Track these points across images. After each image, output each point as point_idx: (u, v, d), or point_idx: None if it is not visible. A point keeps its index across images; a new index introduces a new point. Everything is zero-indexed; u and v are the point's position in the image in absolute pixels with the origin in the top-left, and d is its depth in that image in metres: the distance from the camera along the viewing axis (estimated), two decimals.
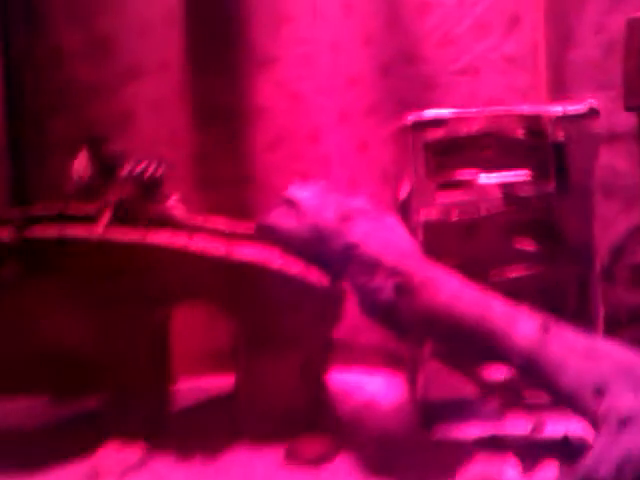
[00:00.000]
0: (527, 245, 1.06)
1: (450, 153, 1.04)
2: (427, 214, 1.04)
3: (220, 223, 1.13)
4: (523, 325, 0.87)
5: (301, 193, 1.09)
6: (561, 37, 1.29)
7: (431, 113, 1.02)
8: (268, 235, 1.08)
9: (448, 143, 1.04)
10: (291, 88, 1.31)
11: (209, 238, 1.06)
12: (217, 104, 1.32)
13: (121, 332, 1.02)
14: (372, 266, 0.96)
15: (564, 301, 1.12)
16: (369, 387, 1.28)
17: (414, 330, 0.91)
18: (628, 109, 1.06)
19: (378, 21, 1.37)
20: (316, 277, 1.02)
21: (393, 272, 0.93)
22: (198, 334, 1.26)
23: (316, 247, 1.03)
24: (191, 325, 1.19)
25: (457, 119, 1.02)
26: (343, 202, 1.07)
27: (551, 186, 1.02)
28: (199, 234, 1.06)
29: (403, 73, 1.36)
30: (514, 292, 0.94)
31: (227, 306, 1.05)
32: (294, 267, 1.03)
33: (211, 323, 1.21)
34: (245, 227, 1.12)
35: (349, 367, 1.31)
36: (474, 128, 1.02)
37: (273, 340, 1.03)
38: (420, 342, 1.00)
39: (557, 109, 1.01)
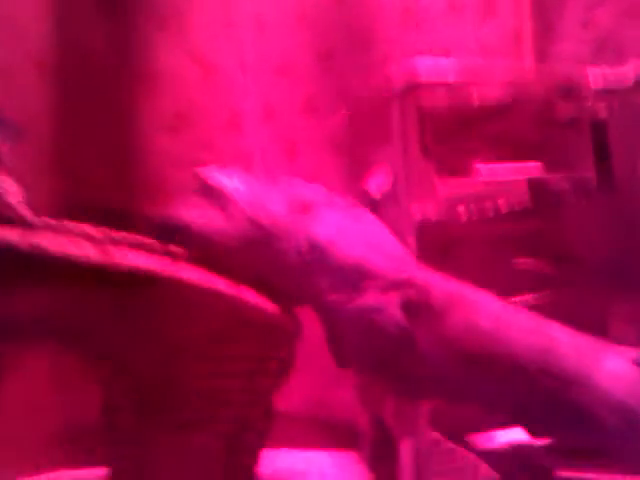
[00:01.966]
0: (553, 261, 0.75)
1: (455, 129, 0.72)
2: (424, 211, 0.69)
3: (90, 229, 0.72)
4: (610, 362, 0.54)
5: (229, 179, 0.71)
6: (544, 29, 1.06)
7: (429, 65, 0.70)
8: (178, 239, 0.67)
9: (453, 115, 0.72)
10: (204, 55, 0.95)
11: (72, 239, 0.63)
12: (95, 63, 0.91)
13: None
14: (356, 275, 0.59)
15: None
16: (314, 471, 0.87)
17: (441, 379, 0.53)
18: None
19: None
20: (256, 299, 0.63)
21: (396, 282, 0.57)
22: (50, 398, 0.79)
23: (258, 253, 0.64)
24: (39, 385, 0.73)
25: (466, 83, 0.70)
26: (294, 189, 0.70)
27: (590, 179, 0.73)
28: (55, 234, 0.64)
29: (351, 61, 1.05)
30: None
31: (102, 347, 0.61)
32: (218, 282, 0.63)
33: (73, 378, 0.75)
34: (131, 237, 0.71)
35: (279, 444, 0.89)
36: (490, 97, 0.71)
37: (181, 404, 0.60)
38: (446, 398, 0.61)
39: (596, 72, 0.73)
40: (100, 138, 0.92)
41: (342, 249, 0.61)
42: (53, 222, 0.70)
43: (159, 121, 0.90)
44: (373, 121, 0.79)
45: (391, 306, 0.55)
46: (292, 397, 0.96)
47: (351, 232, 0.63)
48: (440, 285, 0.57)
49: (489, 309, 0.55)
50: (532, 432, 0.62)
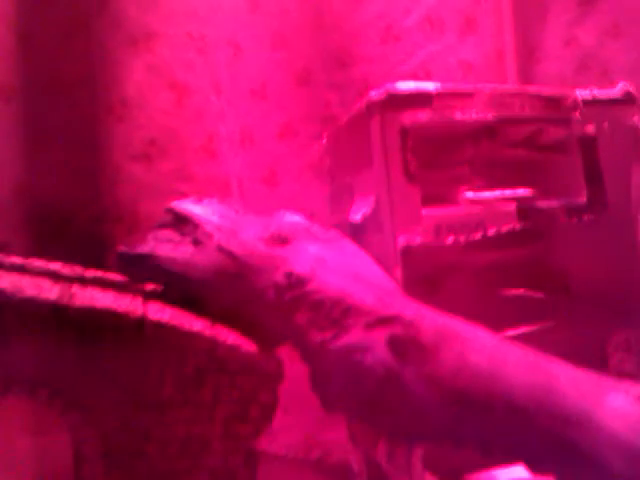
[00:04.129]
0: (541, 289, 0.72)
1: (439, 152, 0.69)
2: (408, 237, 0.65)
3: (53, 266, 0.67)
4: (613, 399, 0.50)
5: (199, 207, 0.67)
6: (526, 48, 1.04)
7: (411, 85, 0.67)
8: (142, 272, 0.63)
9: (434, 134, 0.69)
10: (177, 78, 0.91)
11: (33, 279, 0.59)
12: (64, 88, 0.87)
13: None
14: (338, 310, 0.54)
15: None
16: None
17: (432, 421, 0.49)
18: None
19: (293, 16, 1.04)
20: (233, 339, 0.58)
21: (382, 318, 0.53)
22: (24, 445, 0.74)
23: (233, 286, 0.60)
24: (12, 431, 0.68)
25: (448, 97, 0.67)
26: (271, 219, 0.66)
27: (581, 199, 0.70)
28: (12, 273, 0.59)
29: (329, 80, 1.03)
30: None
31: (67, 394, 0.56)
32: (192, 321, 0.58)
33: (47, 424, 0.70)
34: (95, 274, 0.66)
35: None
36: (473, 113, 0.68)
37: (156, 454, 0.56)
38: (443, 443, 0.56)
39: (584, 92, 0.71)
40: (70, 166, 0.88)
41: (323, 283, 0.56)
42: (18, 261, 0.66)
43: (132, 149, 0.85)
44: (354, 144, 0.75)
45: (377, 344, 0.51)
46: (284, 437, 0.92)
47: (332, 264, 0.59)
48: (430, 319, 0.53)
49: (483, 344, 0.51)
50: (532, 470, 0.58)
